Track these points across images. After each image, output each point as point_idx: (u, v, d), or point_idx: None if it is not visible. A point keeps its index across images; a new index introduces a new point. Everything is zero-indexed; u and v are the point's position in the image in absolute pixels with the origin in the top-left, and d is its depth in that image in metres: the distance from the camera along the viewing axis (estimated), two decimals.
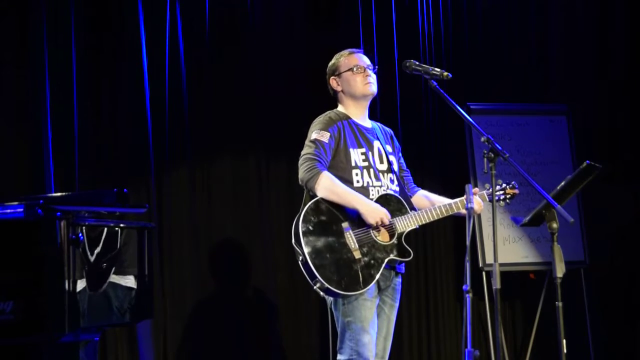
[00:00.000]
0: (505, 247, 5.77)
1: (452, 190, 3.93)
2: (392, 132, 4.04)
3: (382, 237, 3.65)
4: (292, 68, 5.74)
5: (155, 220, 5.24)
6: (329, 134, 3.70)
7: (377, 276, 3.59)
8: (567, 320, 3.57)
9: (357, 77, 3.82)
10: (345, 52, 3.92)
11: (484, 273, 5.67)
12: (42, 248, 3.44)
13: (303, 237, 3.55)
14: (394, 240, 3.66)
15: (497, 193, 3.77)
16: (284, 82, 5.72)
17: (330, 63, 3.93)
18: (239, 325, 5.49)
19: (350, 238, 3.59)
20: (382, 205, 3.66)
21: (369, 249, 3.60)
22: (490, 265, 5.61)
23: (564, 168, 5.81)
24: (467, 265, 3.11)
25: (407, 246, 3.68)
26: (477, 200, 3.70)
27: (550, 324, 4.58)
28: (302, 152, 3.72)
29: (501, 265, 3.70)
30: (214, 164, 5.57)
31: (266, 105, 5.64)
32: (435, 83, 3.61)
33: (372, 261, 3.59)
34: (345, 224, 3.61)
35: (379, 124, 3.99)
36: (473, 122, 3.50)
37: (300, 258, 3.58)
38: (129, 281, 3.82)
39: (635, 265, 6.10)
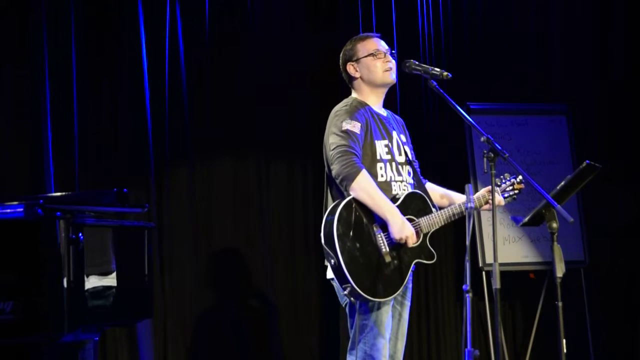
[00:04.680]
0: (505, 247, 5.76)
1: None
2: (403, 121, 3.92)
3: None
4: (292, 68, 5.74)
5: (155, 220, 5.24)
6: (359, 124, 3.52)
7: (405, 280, 3.50)
8: (567, 320, 3.57)
9: (377, 63, 3.66)
10: (362, 35, 3.78)
11: (484, 273, 5.67)
12: (42, 248, 3.44)
13: (338, 240, 3.37)
14: (420, 242, 3.55)
15: (508, 189, 3.75)
16: (284, 82, 5.72)
17: (346, 48, 3.73)
18: (239, 325, 5.49)
19: (382, 241, 3.47)
20: (408, 205, 3.56)
21: (398, 252, 3.49)
22: (490, 265, 5.61)
23: (564, 168, 5.81)
24: (467, 265, 3.10)
25: (431, 247, 3.58)
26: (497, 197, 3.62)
27: (550, 324, 4.58)
28: (333, 142, 3.50)
29: (501, 265, 3.69)
30: (213, 163, 5.57)
31: (266, 105, 5.64)
32: (435, 83, 3.57)
33: (401, 265, 3.48)
34: (376, 226, 3.48)
35: (390, 112, 3.85)
36: (473, 122, 3.49)
37: (333, 262, 3.39)
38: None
39: (635, 265, 6.10)
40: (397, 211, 3.49)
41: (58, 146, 5.08)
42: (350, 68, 3.72)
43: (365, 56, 3.69)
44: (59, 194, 4.71)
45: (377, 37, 3.77)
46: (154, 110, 5.36)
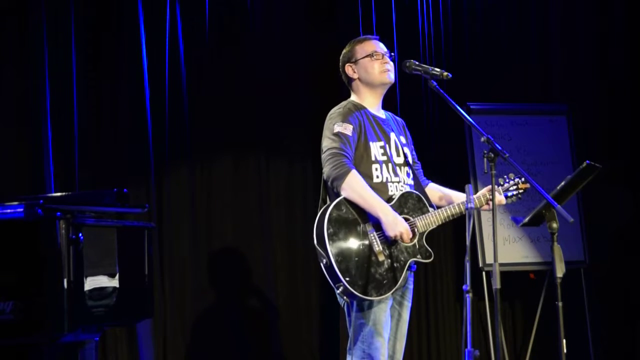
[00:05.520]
0: (505, 247, 5.77)
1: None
2: (404, 122, 3.92)
3: None
4: (292, 68, 5.75)
5: (155, 220, 5.24)
6: (351, 126, 3.54)
7: (401, 279, 3.49)
8: (567, 320, 3.57)
9: (375, 64, 3.67)
10: (361, 38, 3.80)
11: (484, 273, 5.67)
12: (42, 248, 3.44)
13: (328, 239, 3.39)
14: (416, 241, 3.56)
15: (511, 189, 3.75)
16: (283, 82, 5.72)
17: (345, 50, 3.77)
18: (239, 325, 5.49)
19: (375, 240, 3.47)
20: (403, 204, 3.57)
21: (392, 251, 3.49)
22: (490, 265, 5.61)
23: (564, 168, 5.81)
24: (467, 265, 3.10)
25: (427, 247, 3.59)
26: (496, 195, 3.62)
27: (550, 324, 4.59)
28: (325, 145, 3.54)
29: (501, 265, 3.69)
30: (214, 163, 5.58)
31: (266, 105, 5.64)
32: (435, 83, 3.57)
33: (395, 264, 3.48)
34: (369, 225, 3.48)
35: (390, 113, 3.87)
36: (473, 122, 3.49)
37: (324, 261, 3.40)
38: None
39: (635, 265, 6.10)
40: (389, 208, 3.49)
41: (58, 146, 5.09)
42: (349, 69, 3.73)
43: (363, 57, 3.70)
44: (59, 194, 4.71)
45: (375, 39, 3.79)
46: (154, 110, 5.36)
